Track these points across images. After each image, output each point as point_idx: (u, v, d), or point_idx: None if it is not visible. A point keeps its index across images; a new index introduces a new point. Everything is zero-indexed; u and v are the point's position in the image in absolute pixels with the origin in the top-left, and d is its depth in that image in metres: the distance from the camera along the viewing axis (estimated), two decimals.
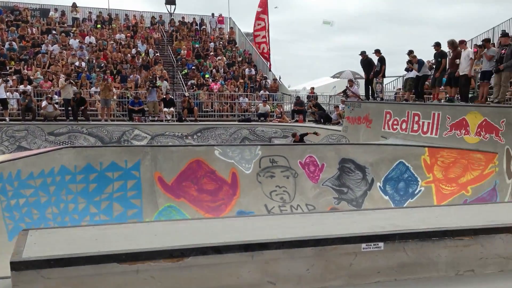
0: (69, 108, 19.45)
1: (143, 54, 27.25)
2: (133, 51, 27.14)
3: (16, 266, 2.75)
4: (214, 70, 27.07)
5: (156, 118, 21.25)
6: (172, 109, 21.54)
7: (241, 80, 26.37)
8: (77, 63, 24.04)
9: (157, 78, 23.89)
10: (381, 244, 3.30)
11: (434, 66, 16.31)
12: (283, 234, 3.30)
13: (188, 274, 3.06)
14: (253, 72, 27.91)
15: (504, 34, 14.10)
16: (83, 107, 19.40)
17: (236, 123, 21.74)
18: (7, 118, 18.76)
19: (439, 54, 15.28)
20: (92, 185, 11.99)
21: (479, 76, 14.38)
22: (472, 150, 11.86)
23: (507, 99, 13.57)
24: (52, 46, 25.23)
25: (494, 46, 14.52)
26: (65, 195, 11.55)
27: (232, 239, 3.19)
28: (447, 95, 15.66)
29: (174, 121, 21.21)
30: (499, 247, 3.58)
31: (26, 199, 10.71)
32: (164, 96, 21.76)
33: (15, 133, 17.77)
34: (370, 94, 18.30)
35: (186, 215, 12.10)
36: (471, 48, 15.95)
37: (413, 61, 16.27)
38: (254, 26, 29.03)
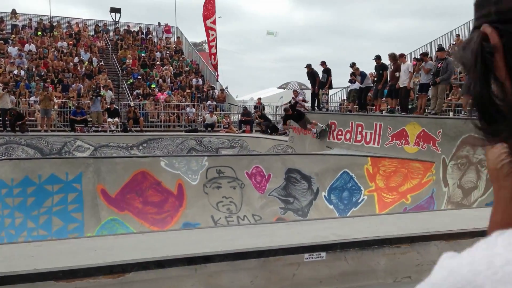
0: (6, 119, 18.60)
1: (86, 62, 26.53)
2: (76, 59, 26.38)
3: None
4: (160, 80, 26.76)
5: (99, 129, 20.69)
6: (116, 119, 21.05)
7: (188, 90, 26.21)
8: (15, 72, 23.07)
9: (101, 88, 23.32)
10: (323, 253, 3.37)
11: (376, 79, 16.89)
12: (227, 246, 3.29)
13: None
14: (201, 82, 27.83)
15: (441, 49, 14.84)
16: (20, 122, 18.54)
17: (183, 133, 21.52)
18: None
19: (380, 67, 15.87)
20: (30, 199, 11.56)
21: (417, 88, 15.03)
22: (411, 160, 12.33)
23: (443, 110, 14.24)
24: None
25: (431, 59, 15.24)
26: (0, 209, 11.09)
27: (176, 252, 3.16)
28: (388, 107, 16.24)
29: (118, 131, 20.71)
30: (434, 254, 3.73)
31: None
32: (109, 106, 21.25)
33: None
34: (316, 105, 18.68)
35: (130, 228, 11.85)
36: (410, 62, 16.66)
37: (356, 73, 16.79)
38: (208, 36, 28.98)
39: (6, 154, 17.00)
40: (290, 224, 4.34)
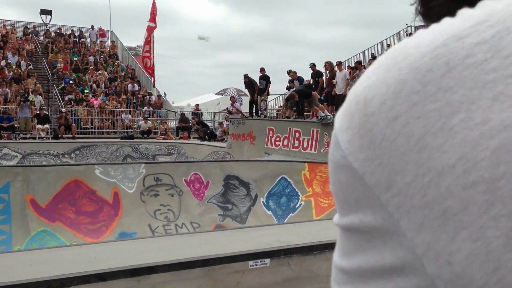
0: None
1: (14, 66, 25.26)
2: (3, 62, 25.04)
3: None
4: (94, 85, 25.95)
5: (28, 136, 19.73)
6: (46, 125, 20.18)
7: (124, 96, 25.60)
8: None
9: (30, 93, 22.26)
10: (267, 260, 3.40)
11: (312, 86, 17.30)
12: (171, 256, 3.25)
13: None
14: (137, 87, 27.27)
15: (374, 58, 15.48)
16: None
17: (118, 140, 20.97)
18: None
19: (316, 74, 16.29)
20: None
21: None
22: None
23: None
24: None
25: (365, 68, 15.83)
26: None
27: (118, 264, 3.07)
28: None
29: (49, 138, 19.86)
30: None
31: None
32: (38, 112, 20.32)
33: None
34: (254, 112, 18.85)
35: (62, 240, 11.39)
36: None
37: (294, 77, 17.05)
38: (150, 41, 28.43)
39: None
40: (233, 232, 4.35)
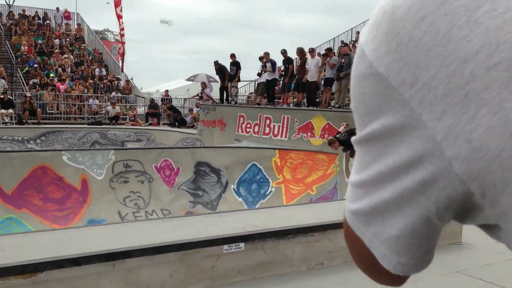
0: None
1: None
2: None
3: None
4: (60, 69, 25.28)
5: None
6: (10, 110, 19.61)
7: (91, 81, 25.05)
8: None
9: None
10: (242, 244, 3.44)
11: (283, 73, 17.34)
12: (146, 240, 3.25)
13: None
14: (104, 72, 26.71)
15: (344, 44, 15.58)
16: None
17: (86, 126, 20.59)
18: None
19: (287, 61, 16.31)
20: None
21: (322, 82, 15.67)
22: (317, 152, 12.87)
23: (346, 104, 15.01)
24: None
25: (335, 55, 15.93)
26: None
27: (92, 249, 3.05)
28: (295, 100, 16.76)
29: (13, 124, 19.34)
30: (344, 240, 3.95)
31: None
32: (1, 96, 19.71)
33: None
34: (224, 98, 18.79)
35: (28, 227, 11.20)
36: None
37: (267, 59, 16.95)
38: (120, 24, 27.88)
39: None
40: (208, 216, 4.37)
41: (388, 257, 0.54)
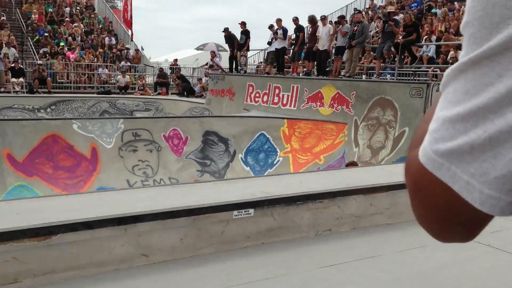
0: None
1: None
2: None
3: None
4: (70, 38, 25.18)
5: (2, 89, 19.23)
6: (21, 79, 19.67)
7: (101, 50, 24.95)
8: None
9: (3, 45, 21.53)
10: (251, 210, 3.48)
11: (293, 42, 17.13)
12: (157, 205, 3.30)
13: (56, 252, 2.92)
14: (114, 41, 26.56)
15: (358, 11, 15.31)
16: None
17: (95, 95, 20.65)
18: None
19: (297, 29, 16.10)
20: None
21: (333, 51, 15.48)
22: (325, 121, 12.84)
23: (357, 73, 14.86)
24: None
25: (347, 22, 15.67)
26: None
27: (104, 213, 3.11)
28: (305, 69, 16.62)
29: (24, 92, 19.42)
30: (352, 207, 4.00)
31: None
32: (12, 65, 19.75)
33: None
34: (234, 68, 18.67)
35: (40, 195, 11.36)
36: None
37: (279, 26, 16.72)
38: None
39: None
40: (217, 183, 4.41)
41: (494, 199, 0.47)
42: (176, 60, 26.51)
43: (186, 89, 21.41)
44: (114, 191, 3.86)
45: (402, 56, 14.01)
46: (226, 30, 18.51)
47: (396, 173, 4.53)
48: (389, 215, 4.17)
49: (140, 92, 21.70)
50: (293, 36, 17.42)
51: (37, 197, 4.52)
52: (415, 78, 13.31)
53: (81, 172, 12.26)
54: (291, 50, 17.35)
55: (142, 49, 27.84)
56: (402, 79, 13.48)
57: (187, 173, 13.15)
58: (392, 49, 14.23)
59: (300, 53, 16.49)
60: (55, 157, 12.04)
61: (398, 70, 13.77)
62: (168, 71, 24.74)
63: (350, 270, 3.30)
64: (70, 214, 3.04)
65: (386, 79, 14.01)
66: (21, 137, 11.75)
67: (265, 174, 12.90)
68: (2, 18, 24.74)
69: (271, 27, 17.38)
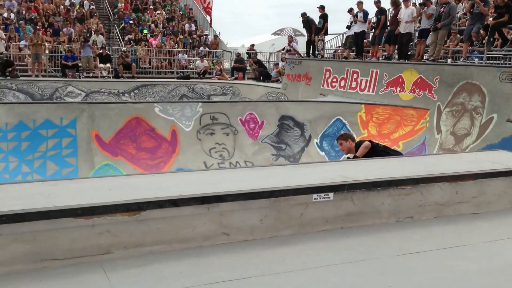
0: None
1: (78, 6, 25.74)
2: (67, 2, 25.56)
3: None
4: (152, 25, 26.13)
5: (91, 75, 20.40)
6: (108, 65, 20.74)
7: (181, 36, 25.67)
8: (5, 15, 22.35)
9: (92, 32, 22.78)
10: (331, 194, 3.47)
11: (374, 25, 16.64)
12: (238, 186, 3.37)
13: (144, 227, 3.08)
14: (193, 28, 27.22)
15: None
16: (10, 69, 18.12)
17: (175, 80, 21.32)
18: None
19: (379, 11, 15.58)
20: (25, 143, 11.60)
21: (417, 34, 14.85)
22: (405, 107, 12.42)
23: (441, 57, 14.16)
24: None
25: (432, 4, 14.95)
26: None
27: (188, 192, 3.23)
28: (385, 53, 16.11)
29: (110, 77, 20.46)
30: (437, 194, 3.85)
31: None
32: (100, 51, 20.86)
33: None
34: (311, 52, 18.49)
35: (124, 174, 11.97)
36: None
37: (359, 8, 16.29)
38: None
39: None
40: (296, 167, 4.43)
41: None
42: (253, 45, 26.69)
43: (262, 74, 21.53)
44: (197, 172, 4.00)
45: (491, 39, 13.16)
46: (303, 15, 18.33)
47: (484, 161, 4.30)
48: (477, 204, 3.99)
49: (218, 77, 22.12)
50: (374, 19, 16.89)
51: (127, 175, 4.78)
52: (505, 62, 12.45)
53: (161, 154, 12.75)
54: (371, 34, 16.86)
55: (219, 34, 28.32)
56: (492, 63, 12.67)
57: (262, 156, 13.30)
58: (481, 31, 13.40)
59: (381, 36, 15.97)
60: (138, 138, 12.60)
61: (487, 54, 12.94)
62: (245, 56, 24.98)
63: (433, 258, 3.20)
64: (157, 192, 3.19)
65: (474, 63, 13.25)
66: (108, 119, 12.39)
67: (341, 159, 12.75)
68: (91, 7, 26.13)
69: (350, 10, 16.97)
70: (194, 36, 26.10)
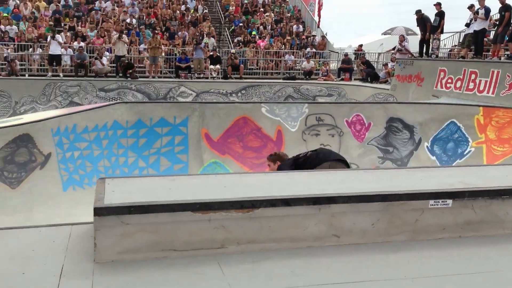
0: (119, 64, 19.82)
1: (193, 10, 27.07)
2: (183, 7, 27.02)
3: (99, 211, 2.89)
4: (261, 27, 26.69)
5: (201, 76, 21.35)
6: (218, 66, 21.55)
7: (288, 37, 25.90)
8: (128, 20, 24.20)
9: (204, 35, 23.83)
10: (449, 201, 3.29)
11: (497, 22, 15.53)
12: (350, 188, 3.33)
13: (257, 224, 3.15)
14: (301, 29, 27.32)
15: None
16: (130, 71, 19.58)
17: (281, 81, 21.57)
18: (60, 74, 19.30)
19: (504, 8, 14.48)
20: (142, 140, 12.29)
21: None
22: None
23: None
24: (105, 3, 25.43)
25: None
26: (116, 149, 11.90)
27: (300, 192, 3.25)
28: (508, 52, 14.95)
29: (219, 78, 21.25)
30: None
31: (80, 152, 11.14)
32: (211, 53, 21.75)
33: (68, 89, 18.29)
34: (424, 52, 17.68)
35: (230, 171, 12.29)
36: None
37: (481, 5, 15.29)
38: None
39: (118, 98, 18.22)
40: (411, 171, 4.26)
41: None
42: (361, 45, 26.16)
43: (370, 74, 21.01)
44: (307, 172, 4.01)
45: None
46: (418, 12, 17.55)
47: None
48: None
49: (324, 77, 21.99)
50: (496, 17, 15.71)
51: (240, 173, 4.92)
52: None
53: (267, 153, 12.89)
54: (494, 32, 15.70)
55: (327, 35, 28.14)
56: None
57: (368, 159, 12.96)
58: None
59: (503, 34, 14.81)
60: (244, 137, 12.87)
61: None
62: (352, 57, 24.56)
63: None
64: (269, 190, 3.25)
65: None
66: (217, 118, 12.81)
67: (454, 164, 12.04)
68: (205, 11, 27.35)
69: (471, 7, 15.94)
70: (302, 37, 26.20)
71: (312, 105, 13.79)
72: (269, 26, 26.94)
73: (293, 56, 24.08)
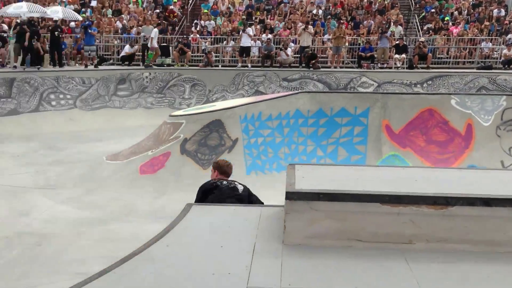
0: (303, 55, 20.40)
1: None
2: None
3: (290, 196, 3.03)
4: (456, 12, 24.71)
5: (385, 65, 20.74)
6: (403, 55, 20.68)
7: (487, 23, 23.43)
8: (314, 11, 24.72)
9: (391, 23, 23.06)
10: None
11: None
12: None
13: (449, 223, 2.96)
14: (503, 13, 24.47)
15: None
16: (313, 61, 19.96)
17: (474, 71, 19.83)
18: (249, 65, 20.64)
19: None
20: (321, 129, 12.51)
21: None
22: None
23: None
24: None
25: None
26: (296, 137, 12.32)
27: (501, 192, 2.95)
28: None
29: (404, 68, 20.42)
30: None
31: (263, 139, 11.78)
32: (397, 42, 20.98)
33: (255, 78, 19.51)
34: None
35: (410, 165, 11.79)
36: None
37: None
38: None
39: (300, 88, 18.79)
40: None
41: None
42: None
43: None
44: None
45: None
46: None
47: None
48: None
49: None
50: None
51: (432, 168, 4.70)
52: None
53: (453, 148, 12.14)
54: None
55: None
56: None
57: None
58: None
59: None
60: (429, 131, 12.27)
61: None
62: None
63: None
64: (467, 188, 3.02)
65: None
66: (400, 110, 12.40)
67: None
68: None
69: None
70: (505, 22, 23.41)
71: (511, 98, 12.47)
72: (465, 11, 24.74)
73: (490, 43, 21.80)
